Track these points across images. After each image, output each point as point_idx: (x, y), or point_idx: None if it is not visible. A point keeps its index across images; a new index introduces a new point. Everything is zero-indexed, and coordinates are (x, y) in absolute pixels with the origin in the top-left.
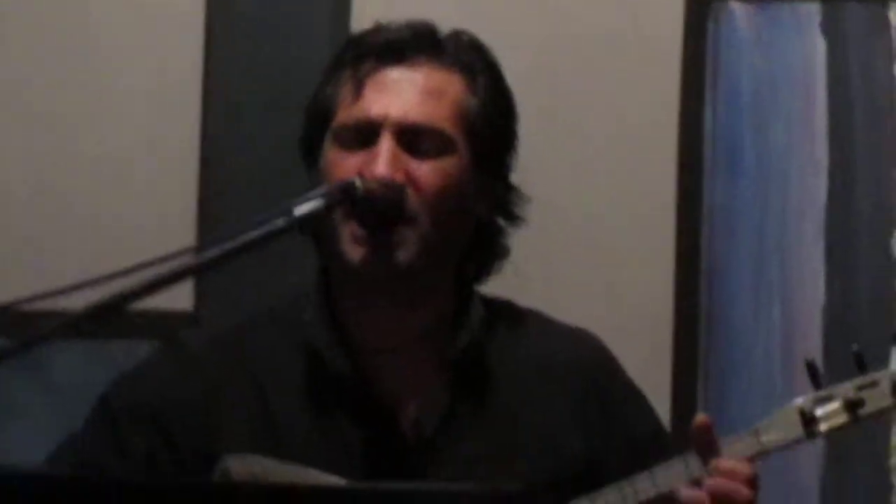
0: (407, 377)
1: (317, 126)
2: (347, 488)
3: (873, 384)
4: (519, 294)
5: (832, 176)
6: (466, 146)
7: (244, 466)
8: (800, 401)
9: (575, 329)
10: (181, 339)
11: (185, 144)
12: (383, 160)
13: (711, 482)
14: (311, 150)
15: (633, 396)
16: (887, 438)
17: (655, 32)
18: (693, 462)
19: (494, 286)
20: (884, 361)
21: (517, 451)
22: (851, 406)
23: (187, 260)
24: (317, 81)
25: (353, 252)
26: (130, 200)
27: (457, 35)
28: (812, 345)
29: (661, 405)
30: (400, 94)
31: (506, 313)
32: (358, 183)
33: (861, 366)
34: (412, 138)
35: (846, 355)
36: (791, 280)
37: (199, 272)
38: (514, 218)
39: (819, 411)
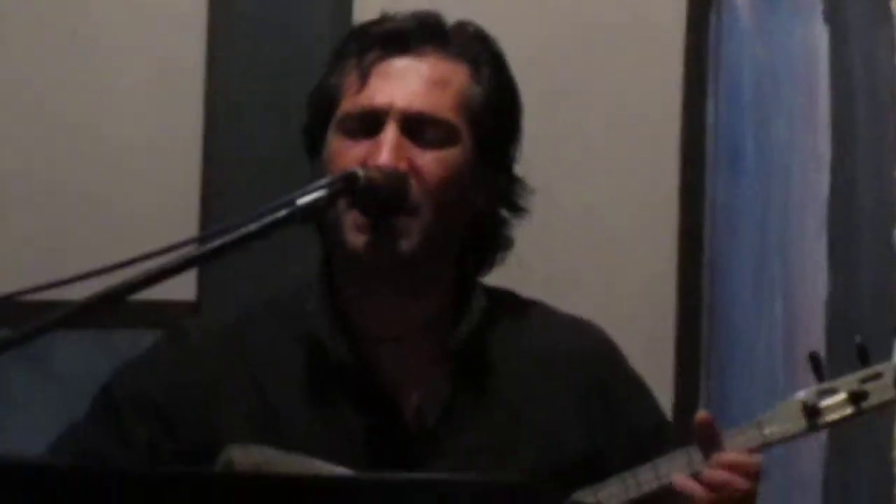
0: (409, 367)
1: (320, 115)
2: (351, 478)
3: (876, 376)
4: (522, 287)
5: (834, 170)
6: (470, 136)
7: (247, 457)
8: (803, 393)
9: (578, 320)
10: (183, 327)
11: (188, 137)
12: (387, 149)
13: (708, 473)
14: (314, 140)
15: (637, 388)
16: (890, 431)
17: (657, 24)
18: (696, 454)
19: (497, 278)
20: (887, 354)
21: (518, 442)
22: (855, 398)
23: (190, 250)
24: (318, 76)
25: (356, 241)
26: (134, 192)
27: (462, 26)
28: (814, 339)
29: (664, 398)
30: (405, 83)
31: (509, 304)
32: (360, 172)
33: (864, 358)
34: (416, 127)
35: (849, 349)
36: (793, 274)
37: (201, 262)
38: (517, 210)
39: (822, 404)
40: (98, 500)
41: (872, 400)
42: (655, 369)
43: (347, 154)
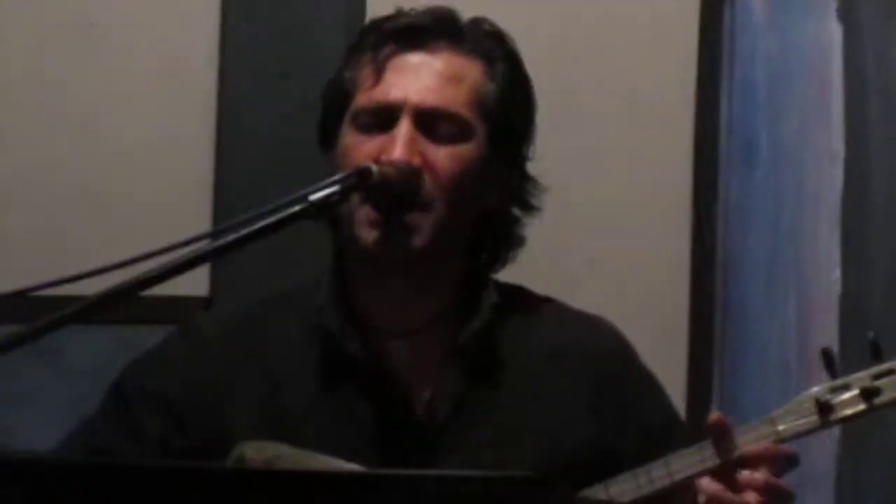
0: (420, 362)
1: (334, 110)
2: (363, 474)
3: (889, 373)
4: (533, 283)
5: (847, 167)
6: (484, 133)
7: (259, 452)
8: (815, 389)
9: (590, 316)
10: (194, 322)
11: (201, 133)
12: (401, 144)
13: (746, 475)
14: (328, 135)
15: (649, 385)
16: None
17: (671, 20)
18: (709, 451)
19: (509, 274)
20: None
21: (529, 438)
22: (867, 394)
23: (203, 246)
24: (332, 72)
25: (368, 235)
26: (147, 188)
27: (477, 22)
28: (828, 335)
29: (677, 396)
30: (419, 78)
31: (520, 300)
32: (374, 168)
33: (876, 353)
34: (430, 123)
35: (862, 345)
36: (806, 270)
37: (214, 258)
38: (529, 208)
39: (835, 400)
40: (110, 496)
41: (885, 396)
42: (668, 366)
43: (361, 149)
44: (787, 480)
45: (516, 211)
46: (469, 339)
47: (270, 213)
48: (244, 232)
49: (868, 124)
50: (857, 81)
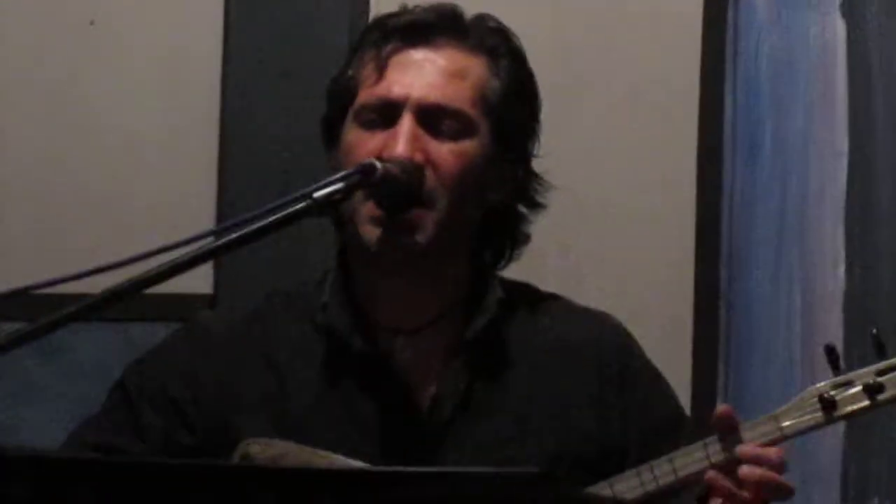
0: (425, 359)
1: (339, 106)
2: (368, 471)
3: (893, 369)
4: (538, 278)
5: (852, 162)
6: (488, 129)
7: (264, 450)
8: (819, 385)
9: (596, 312)
10: (198, 320)
11: (205, 130)
12: (403, 140)
13: (746, 470)
14: (332, 131)
15: (654, 380)
16: None
17: (675, 16)
18: (713, 448)
19: (514, 269)
20: None
21: (534, 433)
22: (871, 391)
23: (207, 243)
24: (336, 68)
25: (370, 233)
26: (150, 185)
27: (481, 19)
28: (832, 331)
29: (682, 391)
30: (422, 74)
31: (525, 297)
32: (378, 165)
33: (880, 349)
34: (433, 119)
35: (866, 341)
36: (811, 266)
37: (218, 255)
38: (534, 205)
39: (838, 396)
40: (114, 493)
41: (889, 392)
42: (673, 362)
43: (364, 145)
44: (793, 477)
45: (522, 208)
46: (474, 335)
47: (274, 210)
48: (248, 230)
49: (872, 121)
50: (861, 78)
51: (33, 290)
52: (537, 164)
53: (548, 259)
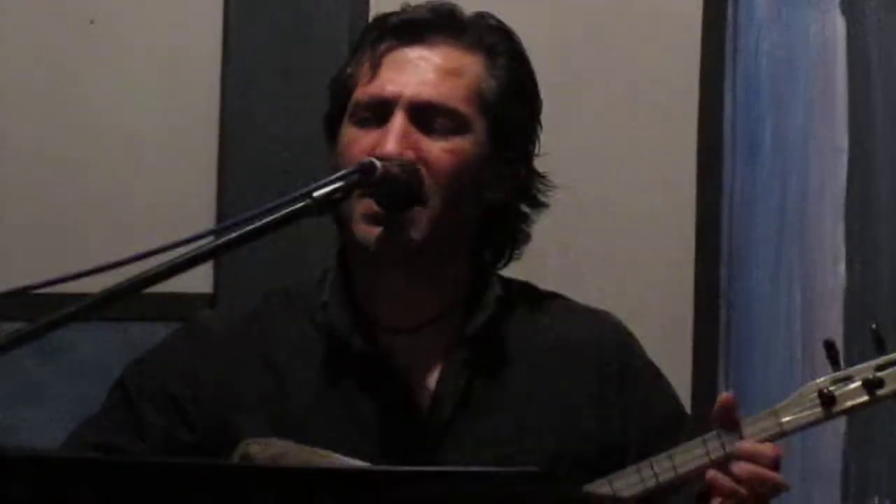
0: (425, 357)
1: (337, 105)
2: (368, 471)
3: (892, 364)
4: (539, 277)
5: (851, 160)
6: (484, 127)
7: (264, 449)
8: (819, 381)
9: (595, 310)
10: (198, 319)
11: (205, 129)
12: (392, 137)
13: (740, 467)
14: (332, 129)
15: (654, 378)
16: None
17: (675, 15)
18: (713, 445)
19: (515, 267)
20: None
21: (534, 431)
22: (870, 386)
23: (206, 243)
24: (336, 65)
25: (367, 231)
26: (150, 185)
27: (480, 17)
28: (832, 328)
29: (682, 389)
30: (416, 72)
31: (525, 295)
32: (377, 164)
33: (880, 344)
34: (426, 117)
35: (866, 338)
36: (811, 263)
37: (218, 255)
38: (535, 204)
39: (838, 391)
40: (114, 492)
41: (888, 387)
42: (673, 359)
43: (358, 143)
44: (793, 474)
45: (523, 207)
46: (474, 331)
47: (274, 209)
48: (248, 229)
49: (872, 118)
50: (860, 75)
51: (33, 290)
52: (537, 164)
53: (548, 258)
